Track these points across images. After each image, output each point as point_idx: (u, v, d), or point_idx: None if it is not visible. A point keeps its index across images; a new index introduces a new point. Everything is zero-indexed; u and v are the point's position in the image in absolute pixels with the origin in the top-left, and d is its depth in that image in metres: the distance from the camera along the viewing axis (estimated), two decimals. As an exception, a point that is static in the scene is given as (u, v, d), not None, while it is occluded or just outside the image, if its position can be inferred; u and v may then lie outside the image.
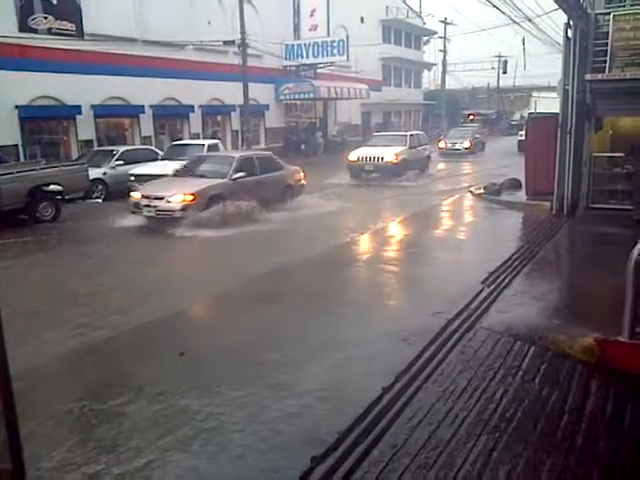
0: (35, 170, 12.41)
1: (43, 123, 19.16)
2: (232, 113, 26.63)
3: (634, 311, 4.34)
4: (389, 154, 19.13)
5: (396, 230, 11.52)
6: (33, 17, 17.56)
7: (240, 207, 11.26)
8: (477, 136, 31.44)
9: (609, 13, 11.08)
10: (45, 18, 17.88)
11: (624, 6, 11.94)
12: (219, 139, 21.70)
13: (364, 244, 10.27)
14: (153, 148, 19.26)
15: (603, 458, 3.41)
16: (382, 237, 10.75)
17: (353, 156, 19.90)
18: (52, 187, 12.38)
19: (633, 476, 3.28)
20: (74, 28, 18.65)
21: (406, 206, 14.01)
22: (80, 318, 6.09)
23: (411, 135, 21.26)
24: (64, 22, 18.36)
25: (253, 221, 11.16)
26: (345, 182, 19.03)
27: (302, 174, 14.44)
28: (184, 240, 10.34)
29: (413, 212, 13.10)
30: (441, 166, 25.18)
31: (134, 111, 21.68)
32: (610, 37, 10.88)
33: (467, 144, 29.60)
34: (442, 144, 30.13)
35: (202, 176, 12.11)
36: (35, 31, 17.62)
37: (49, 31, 18.02)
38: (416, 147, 20.77)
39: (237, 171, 12.01)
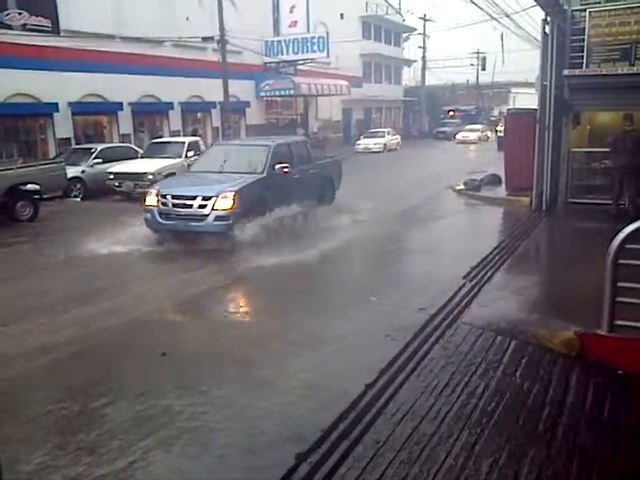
0: (12, 169, 12.19)
1: (19, 121, 18.79)
2: (212, 110, 26.42)
3: (613, 304, 4.40)
4: None
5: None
6: (7, 12, 17.16)
7: None
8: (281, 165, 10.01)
9: (585, 10, 11.22)
10: (19, 14, 17.48)
11: (599, 2, 12.08)
12: (200, 136, 21.51)
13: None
14: (132, 146, 19.03)
15: (584, 449, 3.45)
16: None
17: None
18: (30, 186, 12.14)
19: (612, 466, 3.32)
20: (50, 24, 18.29)
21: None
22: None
23: None
24: (39, 18, 17.98)
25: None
26: None
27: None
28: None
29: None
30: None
31: (112, 108, 21.40)
32: (586, 33, 11.03)
33: (227, 202, 8.78)
34: (151, 199, 9.36)
35: None
36: (9, 27, 17.24)
37: (24, 27, 17.63)
38: None
39: None
